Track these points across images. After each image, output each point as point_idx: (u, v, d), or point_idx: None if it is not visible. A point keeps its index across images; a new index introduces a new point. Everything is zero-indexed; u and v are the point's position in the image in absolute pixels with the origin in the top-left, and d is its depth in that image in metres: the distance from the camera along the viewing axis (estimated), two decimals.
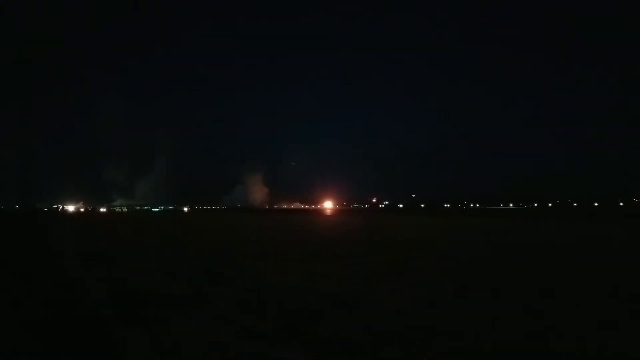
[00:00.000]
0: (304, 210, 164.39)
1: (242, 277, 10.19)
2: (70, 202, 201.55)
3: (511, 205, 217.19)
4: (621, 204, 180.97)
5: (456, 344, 5.41)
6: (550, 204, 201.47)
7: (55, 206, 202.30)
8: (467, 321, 6.35)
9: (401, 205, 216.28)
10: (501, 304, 7.48)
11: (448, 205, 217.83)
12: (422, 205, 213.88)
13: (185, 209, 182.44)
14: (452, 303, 7.63)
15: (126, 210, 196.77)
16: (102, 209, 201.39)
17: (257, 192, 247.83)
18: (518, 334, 5.73)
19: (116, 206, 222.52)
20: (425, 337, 5.65)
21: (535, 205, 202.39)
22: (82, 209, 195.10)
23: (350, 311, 7.09)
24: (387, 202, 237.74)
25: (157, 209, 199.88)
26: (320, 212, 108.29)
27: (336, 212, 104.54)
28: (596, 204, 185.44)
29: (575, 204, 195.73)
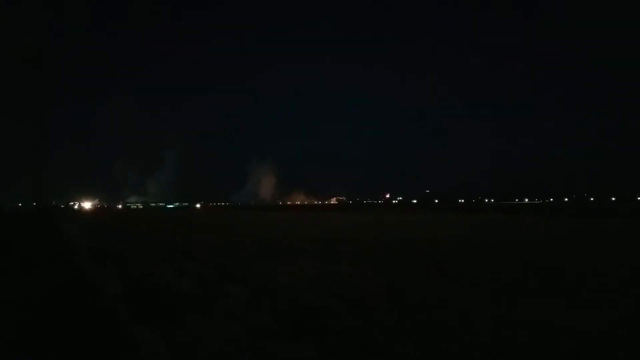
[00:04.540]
0: (317, 206, 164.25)
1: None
2: (86, 199, 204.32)
3: (526, 200, 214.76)
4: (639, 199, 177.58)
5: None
6: (566, 199, 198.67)
7: (72, 203, 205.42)
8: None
9: (415, 201, 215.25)
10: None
11: (462, 201, 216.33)
12: (436, 201, 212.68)
13: (198, 206, 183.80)
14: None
15: (141, 207, 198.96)
16: (118, 206, 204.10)
17: (267, 189, 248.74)
18: None
19: (131, 203, 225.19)
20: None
21: (551, 200, 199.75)
22: (98, 206, 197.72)
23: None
24: (400, 198, 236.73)
25: (171, 206, 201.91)
26: (334, 209, 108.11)
27: (349, 209, 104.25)
28: (613, 199, 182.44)
29: (592, 199, 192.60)
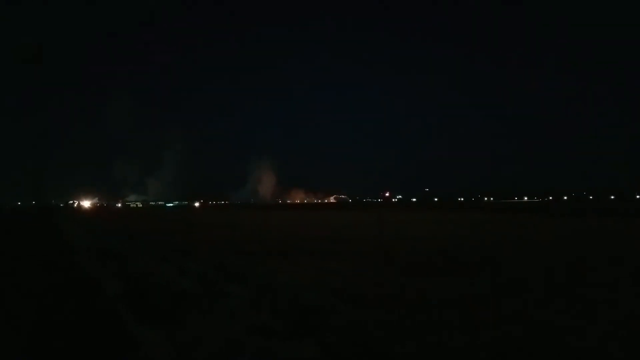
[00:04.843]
0: (316, 205, 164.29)
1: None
2: (85, 198, 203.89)
3: (525, 198, 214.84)
4: (638, 196, 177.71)
5: None
6: (565, 197, 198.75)
7: (71, 202, 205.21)
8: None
9: (414, 199, 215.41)
10: None
11: (462, 199, 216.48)
12: (436, 200, 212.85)
13: (197, 204, 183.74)
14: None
15: (141, 205, 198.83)
16: (118, 205, 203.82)
17: (267, 188, 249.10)
18: None
19: (131, 202, 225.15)
20: None
21: (550, 198, 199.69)
22: (97, 205, 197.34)
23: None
24: (399, 196, 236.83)
25: (171, 205, 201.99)
26: (333, 207, 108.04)
27: (349, 207, 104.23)
28: (612, 197, 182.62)
29: (591, 197, 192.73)
